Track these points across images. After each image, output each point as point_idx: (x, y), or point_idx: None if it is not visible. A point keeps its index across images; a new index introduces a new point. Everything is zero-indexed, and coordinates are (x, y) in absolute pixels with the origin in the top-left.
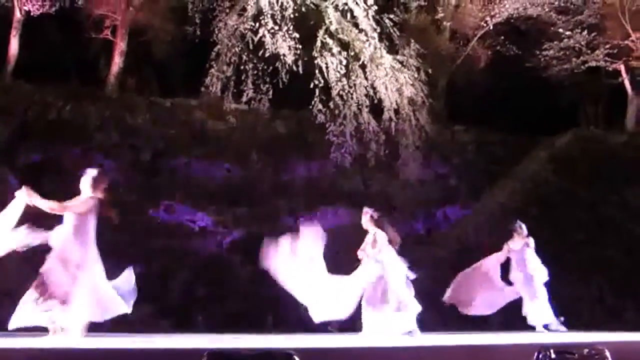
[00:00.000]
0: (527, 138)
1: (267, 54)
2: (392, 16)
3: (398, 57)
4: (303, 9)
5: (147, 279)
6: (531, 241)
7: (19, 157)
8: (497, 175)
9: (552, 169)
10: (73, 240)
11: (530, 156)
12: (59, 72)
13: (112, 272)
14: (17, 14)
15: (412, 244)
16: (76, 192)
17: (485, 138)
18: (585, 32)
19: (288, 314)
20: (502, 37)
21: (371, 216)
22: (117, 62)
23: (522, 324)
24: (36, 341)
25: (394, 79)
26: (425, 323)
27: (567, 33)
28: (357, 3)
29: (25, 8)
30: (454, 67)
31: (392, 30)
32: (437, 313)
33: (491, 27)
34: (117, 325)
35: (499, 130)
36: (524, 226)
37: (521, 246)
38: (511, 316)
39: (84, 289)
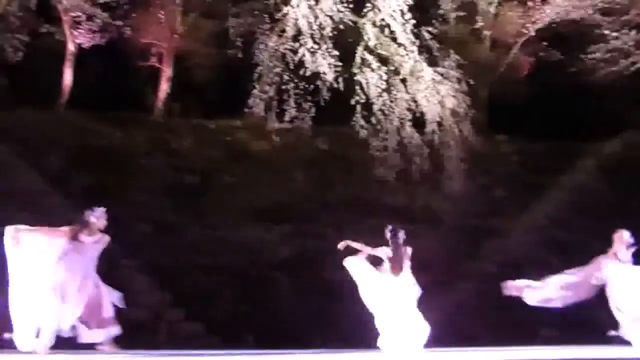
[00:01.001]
0: (573, 145)
1: (307, 73)
2: (430, 28)
3: (438, 69)
4: (341, 27)
5: (196, 298)
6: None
7: (73, 184)
8: (543, 186)
9: (601, 177)
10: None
11: (577, 165)
12: (109, 100)
13: (163, 291)
14: (70, 47)
15: (459, 258)
16: (124, 217)
17: (529, 147)
18: (633, 32)
19: (336, 331)
20: (545, 43)
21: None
22: (164, 87)
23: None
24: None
25: (435, 92)
26: (473, 337)
27: (614, 34)
28: (394, 18)
29: (77, 41)
30: (495, 76)
31: (431, 43)
32: (485, 327)
33: (533, 34)
34: (168, 341)
35: (544, 138)
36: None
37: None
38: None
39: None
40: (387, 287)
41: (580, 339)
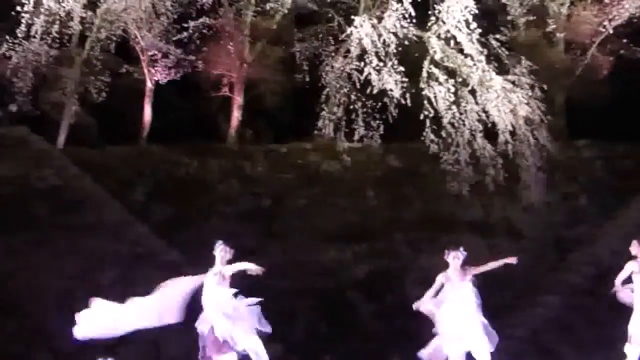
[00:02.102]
0: None
1: (374, 91)
2: (498, 36)
3: (509, 77)
4: (406, 42)
5: (275, 319)
6: None
7: (155, 213)
8: (629, 191)
9: None
10: None
11: None
12: (185, 131)
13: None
14: (148, 84)
15: (544, 271)
16: (204, 244)
17: (612, 151)
18: None
19: (415, 350)
20: (625, 40)
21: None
22: (236, 115)
23: None
24: None
25: (506, 100)
26: (558, 354)
27: None
28: (459, 29)
29: (155, 78)
30: (572, 79)
31: (499, 51)
32: (572, 344)
33: (611, 31)
34: None
35: (628, 141)
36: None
37: None
38: None
39: None
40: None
41: None
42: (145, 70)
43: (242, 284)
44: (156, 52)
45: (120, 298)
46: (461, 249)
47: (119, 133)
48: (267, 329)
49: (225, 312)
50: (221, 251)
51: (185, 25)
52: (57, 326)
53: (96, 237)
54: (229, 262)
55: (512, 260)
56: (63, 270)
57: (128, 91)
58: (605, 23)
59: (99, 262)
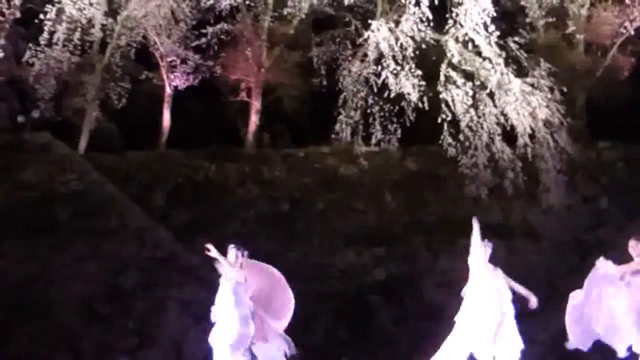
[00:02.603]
0: None
1: (392, 95)
2: (517, 38)
3: (528, 79)
4: (423, 46)
5: (293, 322)
6: None
7: (174, 217)
8: None
9: None
10: None
11: None
12: (204, 136)
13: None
14: (167, 90)
15: (565, 274)
16: (222, 246)
17: (635, 153)
18: None
19: (432, 355)
20: None
21: None
22: (254, 120)
23: None
24: None
25: (525, 103)
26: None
27: None
28: (477, 32)
29: (174, 84)
30: (593, 81)
31: (518, 53)
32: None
33: (632, 32)
34: None
35: None
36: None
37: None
38: None
39: None
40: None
41: None
42: (165, 76)
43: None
44: (175, 58)
45: (142, 301)
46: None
47: (139, 138)
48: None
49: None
50: (233, 255)
51: (204, 31)
52: (79, 329)
53: (117, 241)
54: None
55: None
56: (85, 274)
57: (148, 97)
58: (626, 24)
59: (120, 266)
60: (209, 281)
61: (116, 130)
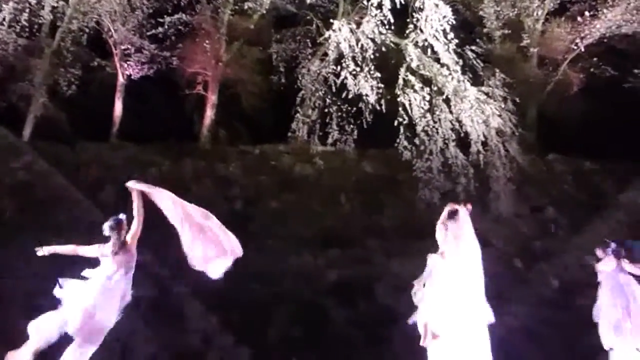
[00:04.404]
0: (630, 164)
1: (350, 96)
2: (474, 48)
3: (483, 88)
4: (383, 49)
5: (245, 323)
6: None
7: (125, 214)
8: (598, 206)
9: None
10: None
11: (634, 184)
12: (158, 129)
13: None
14: (120, 79)
15: (511, 282)
16: (174, 244)
17: (583, 166)
18: None
19: (385, 357)
20: (596, 59)
21: None
22: (209, 114)
23: None
24: None
25: (479, 111)
26: None
27: None
28: (437, 38)
29: (127, 73)
30: (544, 94)
31: (475, 62)
32: (539, 354)
33: (582, 49)
34: None
35: (598, 157)
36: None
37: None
38: None
39: None
40: None
41: None
42: (118, 65)
43: (208, 287)
44: (129, 47)
45: None
46: None
47: (90, 129)
48: None
49: None
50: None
51: (161, 20)
52: (23, 327)
53: (66, 236)
54: None
55: None
56: (31, 270)
57: (100, 86)
58: (578, 41)
59: (68, 262)
60: (160, 278)
61: (65, 119)
